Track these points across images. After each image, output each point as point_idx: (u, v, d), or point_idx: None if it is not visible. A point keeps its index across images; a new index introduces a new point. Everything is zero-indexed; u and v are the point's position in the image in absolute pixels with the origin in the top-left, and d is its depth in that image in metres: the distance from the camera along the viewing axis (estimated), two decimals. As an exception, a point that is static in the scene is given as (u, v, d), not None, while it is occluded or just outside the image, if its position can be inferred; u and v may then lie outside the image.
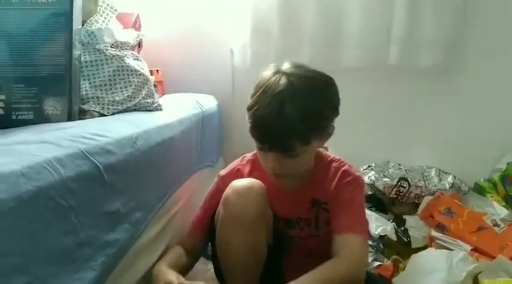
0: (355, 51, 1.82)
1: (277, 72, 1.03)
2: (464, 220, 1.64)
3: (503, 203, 1.74)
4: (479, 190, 1.83)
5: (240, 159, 1.23)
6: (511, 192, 1.79)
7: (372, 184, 1.79)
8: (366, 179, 1.79)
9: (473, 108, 1.90)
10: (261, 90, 1.02)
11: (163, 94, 1.82)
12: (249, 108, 1.03)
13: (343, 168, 1.15)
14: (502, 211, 1.67)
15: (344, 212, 1.08)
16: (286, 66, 1.05)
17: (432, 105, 1.91)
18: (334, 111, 1.09)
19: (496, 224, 1.63)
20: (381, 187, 1.78)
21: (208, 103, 1.77)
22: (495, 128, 1.88)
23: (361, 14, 1.80)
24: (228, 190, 1.07)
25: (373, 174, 1.81)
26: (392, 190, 1.77)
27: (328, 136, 1.11)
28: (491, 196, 1.77)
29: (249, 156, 1.21)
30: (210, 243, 1.17)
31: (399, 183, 1.78)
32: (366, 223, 1.16)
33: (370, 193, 1.79)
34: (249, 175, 1.16)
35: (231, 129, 1.95)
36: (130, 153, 0.98)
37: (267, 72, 1.05)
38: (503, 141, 1.89)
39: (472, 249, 1.54)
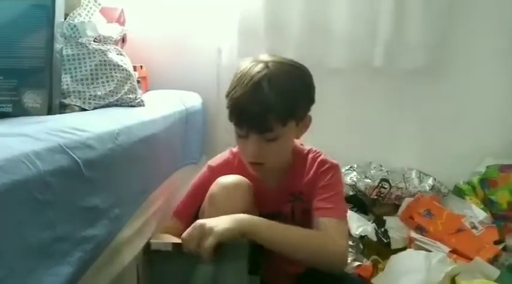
0: (341, 52, 1.83)
1: (255, 60, 1.07)
2: (443, 222, 1.66)
3: (482, 206, 1.77)
4: (458, 192, 1.86)
5: (228, 151, 1.24)
6: (490, 195, 1.82)
7: (354, 185, 1.80)
8: (348, 180, 1.81)
9: (456, 110, 1.93)
10: (239, 76, 1.06)
11: (147, 90, 1.81)
12: (227, 94, 1.07)
13: (319, 158, 1.17)
14: (480, 214, 1.70)
15: (322, 197, 1.11)
16: (263, 56, 1.09)
17: (415, 107, 1.93)
18: (310, 96, 1.13)
19: (475, 227, 1.66)
20: (362, 188, 1.80)
21: (193, 100, 1.76)
22: (476, 131, 1.92)
23: (347, 15, 1.82)
24: (214, 188, 1.07)
25: (355, 175, 1.83)
26: (373, 191, 1.79)
27: (305, 127, 1.14)
28: (470, 199, 1.80)
29: (235, 149, 1.22)
30: None
31: (380, 184, 1.80)
32: (344, 207, 1.17)
33: (351, 193, 1.81)
34: (238, 167, 1.16)
35: (215, 127, 1.95)
36: (111, 149, 0.96)
37: (245, 62, 1.08)
38: (483, 145, 1.92)
39: (450, 251, 1.56)
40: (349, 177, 1.82)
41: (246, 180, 1.08)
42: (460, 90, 1.91)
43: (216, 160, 1.23)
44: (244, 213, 1.01)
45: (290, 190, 1.18)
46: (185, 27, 2.00)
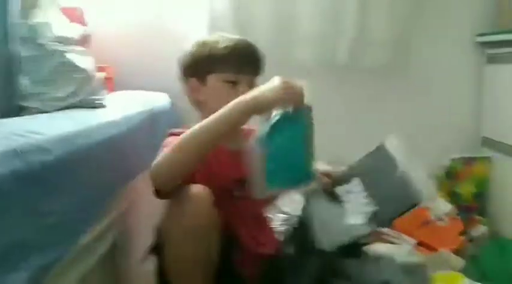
0: (306, 50, 1.85)
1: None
2: (410, 215, 1.68)
3: (448, 198, 1.80)
4: (425, 186, 1.89)
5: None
6: (455, 187, 1.86)
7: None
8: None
9: (420, 106, 1.96)
10: (212, 38, 1.16)
11: (113, 91, 1.78)
12: (213, 48, 1.13)
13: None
14: (445, 206, 1.74)
15: None
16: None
17: (380, 104, 1.96)
18: None
19: (440, 219, 1.70)
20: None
21: (160, 101, 1.74)
22: (440, 125, 1.96)
23: (312, 13, 1.83)
24: (172, 201, 1.02)
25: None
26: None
27: None
28: (436, 192, 1.83)
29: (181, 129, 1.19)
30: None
31: None
32: None
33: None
34: None
35: (185, 127, 1.93)
36: (68, 152, 0.94)
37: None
38: (448, 138, 1.96)
39: (416, 243, 1.59)
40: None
41: (205, 187, 1.03)
42: (425, 85, 1.95)
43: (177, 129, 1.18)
44: (210, 223, 1.01)
45: None
46: (154, 27, 1.98)
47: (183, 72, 1.21)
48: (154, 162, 0.98)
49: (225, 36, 1.17)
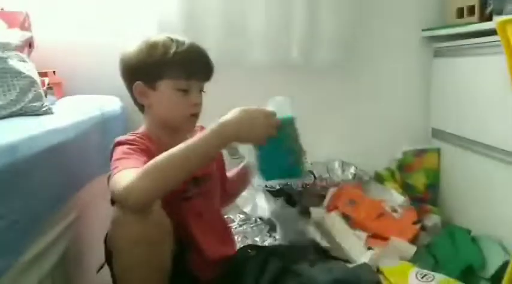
0: (258, 50, 1.86)
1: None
2: (365, 209, 1.73)
3: (401, 190, 1.85)
4: (379, 179, 1.94)
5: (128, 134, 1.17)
6: (407, 179, 1.91)
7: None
8: None
9: (372, 101, 2.01)
10: (162, 41, 1.11)
11: (62, 96, 1.73)
12: (164, 53, 1.09)
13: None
14: (398, 198, 1.78)
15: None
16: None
17: (334, 100, 2.00)
18: None
19: (394, 210, 1.74)
20: (291, 183, 1.80)
21: (111, 105, 1.70)
22: (393, 120, 2.01)
23: (262, 14, 1.85)
24: (118, 211, 0.99)
25: None
26: (299, 183, 1.81)
27: None
28: (389, 184, 1.87)
29: (138, 131, 1.18)
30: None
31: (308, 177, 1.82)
32: None
33: (278, 187, 1.81)
34: (147, 146, 1.10)
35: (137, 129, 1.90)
36: (9, 163, 0.91)
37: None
38: (399, 131, 2.01)
39: (370, 235, 1.62)
40: None
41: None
42: (374, 81, 1.99)
43: (126, 136, 1.14)
44: (161, 228, 1.00)
45: None
46: (104, 31, 1.93)
47: (128, 72, 1.16)
48: (121, 183, 0.94)
49: (174, 39, 1.12)
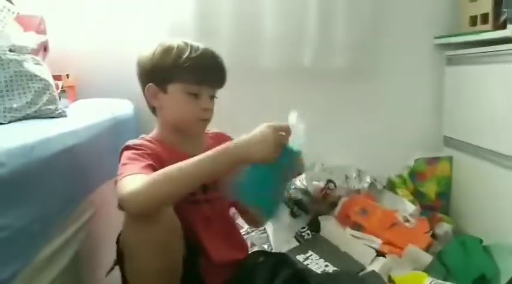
0: (272, 54, 1.86)
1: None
2: (378, 218, 1.72)
3: (412, 198, 1.84)
4: (391, 185, 1.93)
5: (139, 138, 1.18)
6: (419, 187, 1.89)
7: (306, 190, 1.79)
8: (298, 183, 1.79)
9: (385, 107, 2.00)
10: (177, 45, 1.12)
11: (76, 99, 1.75)
12: (177, 57, 1.10)
13: (221, 132, 1.27)
14: (410, 207, 1.77)
15: None
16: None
17: (347, 105, 1.99)
18: None
19: (407, 220, 1.72)
20: (312, 192, 1.78)
21: (123, 108, 1.72)
22: (403, 127, 2.00)
23: (275, 18, 1.85)
24: (129, 215, 0.99)
25: (304, 178, 1.81)
26: (321, 192, 1.79)
27: None
28: (402, 191, 1.86)
29: (148, 136, 1.19)
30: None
31: (327, 185, 1.80)
32: None
33: (300, 197, 1.80)
34: (155, 150, 1.11)
35: (149, 132, 1.91)
36: (25, 164, 0.92)
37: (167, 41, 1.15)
38: (411, 139, 2.00)
39: (384, 243, 1.61)
40: (299, 180, 1.81)
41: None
42: (389, 87, 1.99)
43: (135, 140, 1.16)
44: (173, 234, 1.01)
45: None
46: (117, 35, 1.95)
47: (142, 75, 1.18)
48: (124, 188, 0.94)
49: (189, 44, 1.13)
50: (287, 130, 0.96)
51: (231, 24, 1.86)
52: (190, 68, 1.11)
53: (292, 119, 0.97)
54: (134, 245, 0.98)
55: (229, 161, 0.94)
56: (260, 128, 0.96)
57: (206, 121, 1.17)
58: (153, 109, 1.20)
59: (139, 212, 0.94)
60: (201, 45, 1.14)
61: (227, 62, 1.17)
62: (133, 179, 0.96)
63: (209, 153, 0.95)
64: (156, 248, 0.97)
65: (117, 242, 1.06)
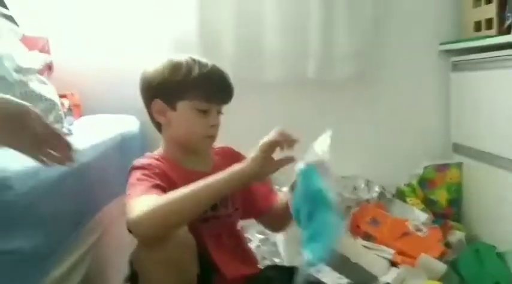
0: (275, 66, 1.86)
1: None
2: (389, 228, 1.70)
3: (422, 206, 1.82)
4: (400, 194, 1.91)
5: (146, 157, 1.17)
6: (430, 195, 1.88)
7: None
8: None
9: (390, 115, 1.99)
10: (185, 61, 1.12)
11: (81, 116, 1.75)
12: (186, 75, 1.10)
13: (227, 146, 1.27)
14: (421, 216, 1.75)
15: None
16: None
17: (351, 115, 1.99)
18: None
19: (419, 229, 1.70)
20: None
21: (129, 124, 1.72)
22: (411, 134, 1.99)
23: (278, 30, 1.85)
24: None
25: None
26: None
27: None
28: (411, 200, 1.84)
29: (155, 153, 1.18)
30: None
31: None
32: None
33: None
34: (162, 168, 1.10)
35: (154, 148, 1.91)
36: (33, 187, 0.91)
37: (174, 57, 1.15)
38: (419, 146, 1.99)
39: (397, 253, 1.59)
40: None
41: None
42: (393, 95, 1.98)
43: (142, 160, 1.14)
44: (190, 252, 1.01)
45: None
46: (119, 50, 1.96)
47: (148, 90, 1.16)
48: (132, 212, 0.94)
49: (197, 60, 1.13)
50: (280, 143, 0.99)
51: (234, 38, 1.86)
52: (200, 85, 1.11)
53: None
54: (149, 265, 0.97)
55: (242, 180, 0.98)
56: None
57: (213, 137, 1.17)
58: (158, 126, 1.19)
59: (148, 236, 0.94)
60: (209, 62, 1.14)
61: (231, 76, 1.17)
62: (142, 201, 0.95)
63: (222, 175, 0.97)
64: (171, 267, 0.96)
65: (130, 261, 1.06)
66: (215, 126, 1.15)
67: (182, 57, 1.15)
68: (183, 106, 1.12)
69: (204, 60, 1.15)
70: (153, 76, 1.15)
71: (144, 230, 0.93)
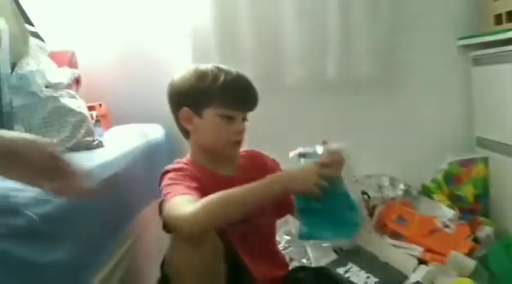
0: (295, 68, 1.87)
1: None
2: (416, 226, 1.69)
3: (448, 202, 1.80)
4: (426, 191, 1.90)
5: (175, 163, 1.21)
6: (456, 190, 1.86)
7: None
8: None
9: (412, 113, 1.98)
10: (211, 70, 1.15)
11: (109, 127, 1.80)
12: (213, 83, 1.13)
13: (254, 150, 1.30)
14: (448, 212, 1.74)
15: None
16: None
17: (373, 115, 1.99)
18: None
19: (446, 226, 1.69)
20: None
21: (155, 132, 1.75)
22: (434, 130, 1.98)
23: (296, 31, 1.86)
24: (179, 239, 1.02)
25: None
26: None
27: None
28: (437, 196, 1.83)
29: (183, 159, 1.22)
30: None
31: (361, 197, 1.78)
32: None
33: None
34: (192, 172, 1.14)
35: (180, 155, 1.94)
36: (69, 199, 0.95)
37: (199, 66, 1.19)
38: (443, 142, 1.97)
39: (426, 250, 1.59)
40: None
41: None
42: (414, 93, 1.98)
43: (173, 165, 1.19)
44: (221, 257, 1.04)
45: (246, 176, 1.18)
46: (141, 59, 1.99)
47: (177, 98, 1.20)
48: (175, 211, 0.98)
49: (222, 68, 1.17)
50: (332, 166, 1.03)
51: (253, 42, 1.88)
52: (226, 92, 1.14)
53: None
54: (184, 269, 1.00)
55: (280, 190, 1.02)
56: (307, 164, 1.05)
57: (239, 143, 1.19)
58: (185, 132, 1.22)
59: (194, 233, 0.97)
60: (233, 70, 1.17)
61: (249, 76, 1.19)
62: (184, 200, 1.00)
63: (263, 181, 1.02)
64: (204, 272, 0.99)
65: (161, 266, 1.09)
66: (241, 132, 1.17)
67: (207, 66, 1.18)
68: (209, 113, 1.15)
69: (228, 67, 1.18)
70: (179, 84, 1.19)
71: (191, 227, 0.96)
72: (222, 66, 1.18)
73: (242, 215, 1.04)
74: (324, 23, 1.85)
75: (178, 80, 1.19)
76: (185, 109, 1.17)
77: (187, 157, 1.23)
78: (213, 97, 1.14)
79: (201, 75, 1.15)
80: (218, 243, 1.03)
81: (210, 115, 1.15)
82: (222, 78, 1.14)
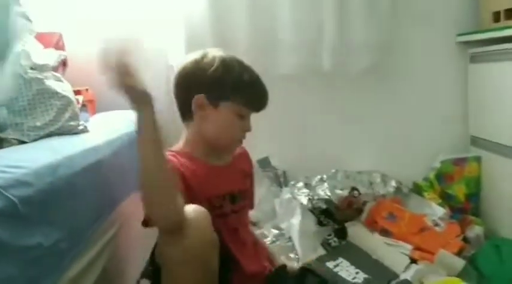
0: (290, 58, 1.85)
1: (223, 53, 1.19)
2: (406, 223, 1.68)
3: (440, 201, 1.79)
4: (417, 189, 1.89)
5: None
6: (447, 189, 1.85)
7: (330, 200, 1.73)
8: (321, 193, 1.75)
9: (406, 109, 1.97)
10: (237, 65, 1.16)
11: (95, 113, 1.75)
12: (237, 79, 1.14)
13: (244, 148, 1.32)
14: (439, 211, 1.73)
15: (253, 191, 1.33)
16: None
17: (367, 108, 1.97)
18: None
19: (437, 224, 1.69)
20: (336, 201, 1.74)
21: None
22: (429, 128, 1.96)
23: (292, 21, 1.83)
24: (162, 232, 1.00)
25: (327, 187, 1.77)
26: (345, 201, 1.74)
27: None
28: (429, 195, 1.82)
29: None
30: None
31: (351, 193, 1.75)
32: None
33: (324, 207, 1.73)
34: (183, 164, 1.12)
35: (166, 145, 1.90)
36: (50, 183, 0.92)
37: (213, 52, 1.17)
38: (436, 140, 1.96)
39: (415, 248, 1.57)
40: (322, 190, 1.76)
41: (201, 208, 1.01)
42: (409, 88, 1.96)
43: None
44: (214, 247, 1.01)
45: (240, 167, 1.27)
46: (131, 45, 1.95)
47: (194, 84, 1.16)
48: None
49: (243, 65, 1.17)
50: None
51: (248, 31, 1.85)
52: (248, 91, 1.16)
53: None
54: (174, 255, 0.97)
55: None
56: None
57: (242, 141, 1.22)
58: (188, 117, 1.18)
59: (159, 223, 0.98)
60: (253, 69, 1.19)
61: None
62: None
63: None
64: (198, 265, 0.97)
65: (151, 257, 1.06)
66: (248, 131, 1.20)
67: (231, 56, 1.18)
68: (225, 107, 1.15)
69: (247, 63, 1.19)
70: (203, 70, 1.15)
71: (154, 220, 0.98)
72: (241, 59, 1.19)
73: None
74: (320, 13, 1.82)
75: (203, 65, 1.15)
76: (200, 96, 1.14)
77: (180, 145, 1.20)
78: (233, 93, 1.14)
79: (227, 68, 1.15)
80: (214, 237, 1.01)
81: (226, 109, 1.15)
82: (246, 75, 1.16)
